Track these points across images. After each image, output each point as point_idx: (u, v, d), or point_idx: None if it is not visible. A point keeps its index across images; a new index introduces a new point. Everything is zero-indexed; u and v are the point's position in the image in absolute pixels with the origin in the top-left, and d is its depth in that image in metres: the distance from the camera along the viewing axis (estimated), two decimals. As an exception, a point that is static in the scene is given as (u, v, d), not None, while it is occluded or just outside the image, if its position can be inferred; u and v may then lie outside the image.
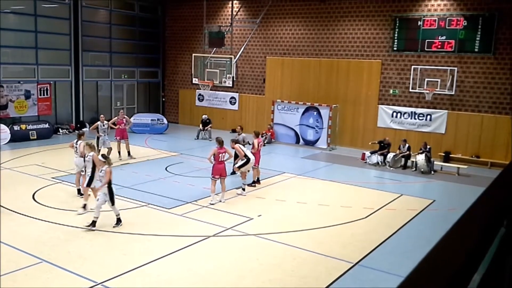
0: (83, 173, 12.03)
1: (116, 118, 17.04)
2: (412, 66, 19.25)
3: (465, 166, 17.19)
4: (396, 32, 19.88)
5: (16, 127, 19.60)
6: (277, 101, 22.18)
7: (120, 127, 16.63)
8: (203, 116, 22.68)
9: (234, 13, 23.27)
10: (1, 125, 18.68)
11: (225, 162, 12.20)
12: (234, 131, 23.75)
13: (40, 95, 21.47)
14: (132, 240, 9.36)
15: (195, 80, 23.50)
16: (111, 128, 16.36)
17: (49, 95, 21.85)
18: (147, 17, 26.83)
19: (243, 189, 12.92)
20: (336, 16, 21.38)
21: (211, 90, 23.42)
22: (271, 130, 21.78)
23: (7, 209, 10.79)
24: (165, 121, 23.97)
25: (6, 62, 20.53)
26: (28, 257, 8.27)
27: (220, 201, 11.99)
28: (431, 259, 2.10)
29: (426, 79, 18.79)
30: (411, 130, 19.58)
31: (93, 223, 9.79)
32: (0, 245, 8.53)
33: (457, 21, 18.44)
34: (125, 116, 17.30)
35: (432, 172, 16.70)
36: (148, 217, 10.87)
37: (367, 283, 7.97)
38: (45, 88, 21.68)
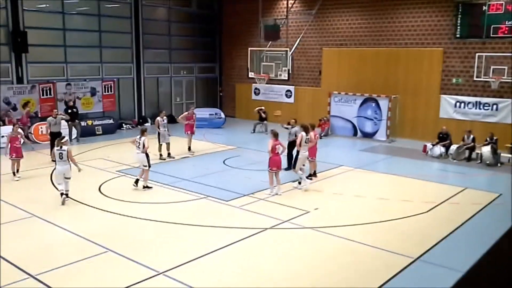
0: (145, 168, 12.51)
1: (186, 113, 17.53)
2: (477, 54, 18.32)
3: (536, 158, 16.24)
4: (459, 18, 19.00)
5: (83, 123, 20.61)
6: (333, 93, 21.88)
7: (190, 122, 17.13)
8: (262, 108, 22.80)
9: (290, 5, 23.16)
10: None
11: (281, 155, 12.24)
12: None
13: (105, 92, 22.46)
14: (191, 232, 9.63)
15: (251, 74, 23.62)
16: (181, 121, 16.99)
17: (113, 92, 22.80)
18: (204, 13, 27.26)
19: (299, 183, 12.87)
20: (395, 4, 20.75)
21: (266, 83, 23.49)
22: (323, 124, 21.38)
23: (75, 200, 11.42)
24: (222, 115, 24.32)
25: (73, 61, 21.64)
26: (94, 246, 8.72)
27: (277, 193, 12.05)
28: (492, 255, 2.03)
29: (492, 67, 17.83)
30: (476, 121, 18.69)
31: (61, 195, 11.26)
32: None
33: (527, 4, 17.36)
34: (195, 112, 17.84)
35: (499, 165, 15.90)
36: (207, 209, 11.12)
37: (427, 279, 7.75)
38: (109, 85, 22.63)
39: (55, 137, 13.20)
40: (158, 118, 16.30)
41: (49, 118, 16.25)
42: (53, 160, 11.87)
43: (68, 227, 9.65)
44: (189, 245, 8.89)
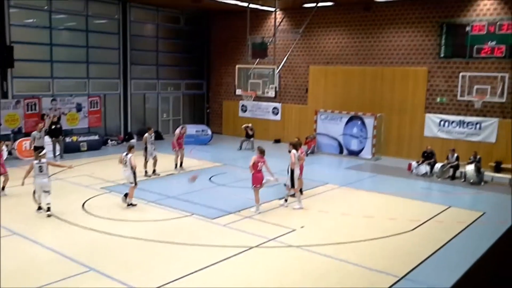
0: (132, 185, 12.39)
1: (178, 132, 17.49)
2: (460, 73, 18.65)
3: (519, 177, 16.44)
4: (443, 39, 19.38)
5: (68, 139, 20.39)
6: (320, 110, 22.03)
7: (179, 140, 17.21)
8: (249, 125, 22.80)
9: (277, 23, 23.40)
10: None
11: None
12: (277, 141, 23.80)
13: (91, 107, 22.31)
14: (176, 250, 9.52)
15: (238, 91, 23.68)
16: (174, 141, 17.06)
17: (99, 108, 22.67)
18: (192, 30, 27.39)
19: (286, 200, 12.85)
20: (381, 24, 21.10)
21: (254, 100, 23.52)
22: (309, 142, 21.43)
23: (58, 218, 11.24)
24: (209, 132, 24.28)
25: (59, 76, 21.51)
26: (77, 265, 8.57)
27: (277, 180, 12.44)
28: (475, 272, 2.03)
29: (475, 86, 18.13)
30: (460, 139, 18.94)
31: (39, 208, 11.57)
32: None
33: (508, 25, 17.77)
34: (186, 131, 18.09)
35: (482, 183, 16.08)
36: (192, 227, 11.02)
37: (413, 298, 7.75)
38: (95, 101, 22.51)
39: None
40: (146, 134, 16.25)
41: (34, 132, 16.30)
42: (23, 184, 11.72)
43: (50, 245, 9.49)
44: (174, 264, 8.78)
